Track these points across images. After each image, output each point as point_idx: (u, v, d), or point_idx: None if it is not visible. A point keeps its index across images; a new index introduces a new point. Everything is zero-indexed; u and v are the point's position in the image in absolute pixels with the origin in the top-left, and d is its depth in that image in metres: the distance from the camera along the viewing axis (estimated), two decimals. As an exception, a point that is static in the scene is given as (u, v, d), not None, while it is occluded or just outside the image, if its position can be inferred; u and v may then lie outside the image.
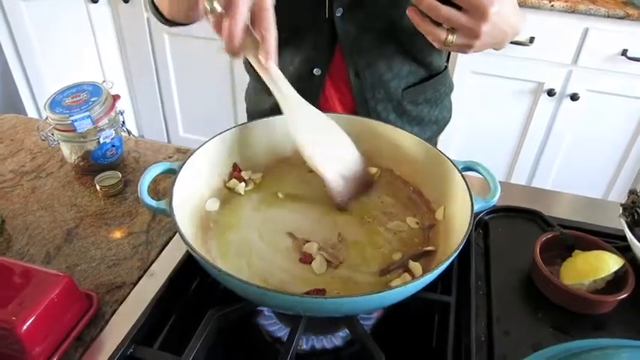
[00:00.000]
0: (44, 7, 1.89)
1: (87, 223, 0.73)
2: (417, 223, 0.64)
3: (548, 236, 0.64)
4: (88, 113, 0.76)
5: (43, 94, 2.01)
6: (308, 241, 0.59)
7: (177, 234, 0.51)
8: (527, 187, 0.89)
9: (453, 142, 1.89)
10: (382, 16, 0.79)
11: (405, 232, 0.62)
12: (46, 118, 0.78)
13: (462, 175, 0.60)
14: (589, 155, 1.81)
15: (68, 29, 1.99)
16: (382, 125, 0.70)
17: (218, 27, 0.55)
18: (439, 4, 0.58)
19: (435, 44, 0.62)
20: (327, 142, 0.65)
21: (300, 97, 0.62)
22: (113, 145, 0.82)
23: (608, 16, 1.52)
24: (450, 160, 0.62)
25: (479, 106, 1.80)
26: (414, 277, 0.55)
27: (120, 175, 0.80)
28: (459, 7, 0.58)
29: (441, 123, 0.97)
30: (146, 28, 2.07)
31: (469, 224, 0.53)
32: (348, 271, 0.57)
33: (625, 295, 0.57)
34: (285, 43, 0.85)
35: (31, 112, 2.04)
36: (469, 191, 0.57)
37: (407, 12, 0.61)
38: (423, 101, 0.91)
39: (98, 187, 0.78)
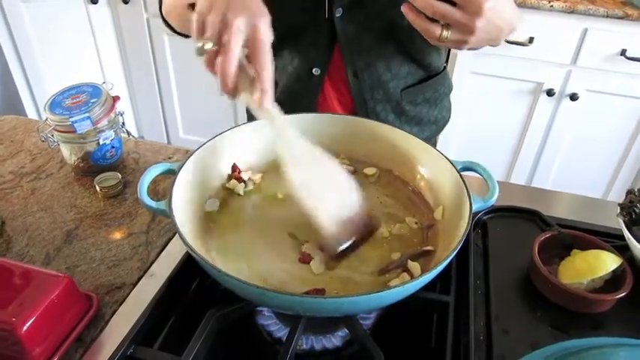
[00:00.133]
0: (44, 8, 1.89)
1: (87, 224, 0.74)
2: (416, 223, 0.64)
3: (547, 236, 0.64)
4: (87, 114, 0.76)
5: (42, 95, 2.01)
6: (307, 242, 0.60)
7: (177, 235, 0.51)
8: (525, 186, 0.90)
9: (453, 143, 1.89)
10: (382, 16, 0.79)
11: (403, 232, 0.62)
12: (46, 119, 0.78)
13: (461, 175, 0.60)
14: (588, 155, 1.81)
15: (68, 30, 1.99)
16: (381, 125, 0.70)
17: (211, 65, 0.52)
18: (434, 1, 0.58)
19: (430, 40, 0.62)
20: (324, 182, 0.59)
21: (297, 134, 0.58)
22: (113, 146, 0.82)
23: (607, 16, 1.52)
24: (449, 160, 0.62)
25: (478, 107, 1.81)
26: (412, 277, 0.55)
27: (119, 176, 0.80)
28: (453, 3, 0.58)
29: (440, 123, 0.97)
30: (146, 29, 2.07)
31: (467, 224, 0.53)
32: (347, 271, 0.57)
33: (623, 294, 0.57)
34: (284, 42, 0.85)
35: (31, 114, 2.04)
36: (467, 191, 0.57)
37: (402, 8, 0.61)
38: (422, 101, 0.91)
39: (98, 188, 0.79)
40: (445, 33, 0.60)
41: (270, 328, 0.58)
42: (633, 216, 0.63)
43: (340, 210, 0.58)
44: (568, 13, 1.55)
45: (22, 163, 0.86)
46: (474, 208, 0.56)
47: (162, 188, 0.81)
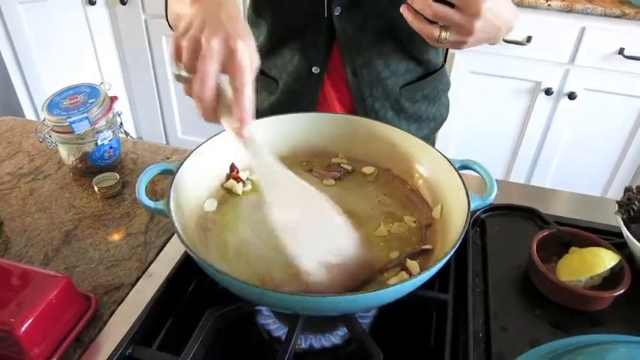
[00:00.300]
0: (42, 9, 1.89)
1: (85, 224, 0.73)
2: (415, 221, 0.64)
3: (545, 233, 0.64)
4: (85, 115, 0.76)
5: (40, 96, 2.01)
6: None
7: (175, 235, 0.51)
8: (523, 185, 0.90)
9: (452, 141, 1.89)
10: (380, 15, 0.79)
11: (402, 231, 0.62)
12: (44, 119, 0.78)
13: (459, 174, 0.60)
14: (587, 154, 1.81)
15: (66, 31, 1.99)
16: (379, 125, 0.70)
17: (189, 91, 0.49)
18: (432, 2, 0.58)
19: (429, 41, 0.62)
20: (309, 220, 0.54)
21: (280, 164, 0.54)
22: (111, 147, 0.82)
23: (605, 15, 1.52)
24: (448, 159, 0.62)
25: (477, 106, 1.81)
26: (411, 276, 0.55)
27: (118, 176, 0.80)
28: (451, 5, 0.59)
29: (438, 120, 0.98)
30: (144, 30, 2.07)
31: (466, 222, 0.53)
32: (346, 270, 0.57)
33: (621, 292, 0.57)
34: (284, 41, 0.86)
35: (29, 114, 2.03)
36: (466, 190, 0.57)
37: (401, 10, 0.62)
38: (421, 98, 0.91)
39: (96, 189, 0.78)
40: (444, 34, 0.60)
41: (268, 327, 0.58)
42: (631, 213, 0.64)
43: (328, 251, 0.52)
44: (566, 12, 1.55)
45: (20, 164, 0.86)
46: (473, 206, 0.56)
47: (160, 188, 0.81)
